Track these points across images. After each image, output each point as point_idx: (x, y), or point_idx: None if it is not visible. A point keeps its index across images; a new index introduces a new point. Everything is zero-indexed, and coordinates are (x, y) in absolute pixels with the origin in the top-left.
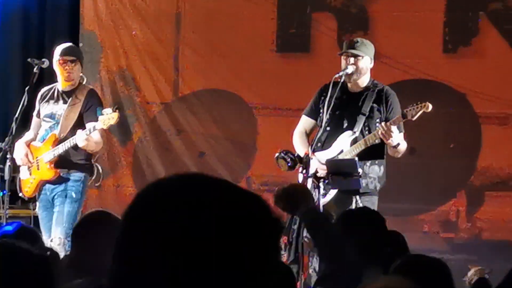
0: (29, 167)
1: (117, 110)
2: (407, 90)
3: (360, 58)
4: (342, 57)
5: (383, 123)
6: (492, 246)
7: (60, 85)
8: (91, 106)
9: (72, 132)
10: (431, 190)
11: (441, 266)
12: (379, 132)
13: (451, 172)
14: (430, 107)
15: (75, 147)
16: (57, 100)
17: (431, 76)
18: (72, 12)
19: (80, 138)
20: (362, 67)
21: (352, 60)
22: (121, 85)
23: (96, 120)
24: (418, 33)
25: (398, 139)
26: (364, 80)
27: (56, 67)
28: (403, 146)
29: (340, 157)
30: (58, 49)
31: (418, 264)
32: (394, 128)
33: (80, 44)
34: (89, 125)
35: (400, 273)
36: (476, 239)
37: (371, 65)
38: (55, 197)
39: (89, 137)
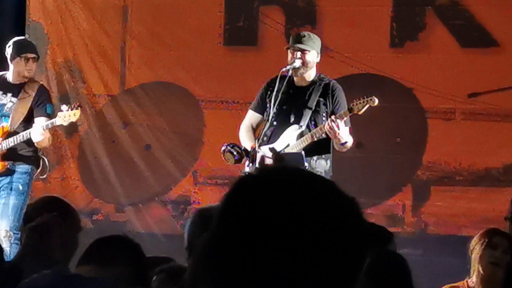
0: None
1: (79, 108)
2: (354, 85)
3: (306, 52)
4: (289, 51)
5: (330, 118)
6: (438, 241)
7: (12, 77)
8: (42, 102)
9: (23, 125)
10: (377, 185)
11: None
12: (325, 127)
13: (398, 167)
14: (376, 101)
15: (28, 141)
16: (5, 92)
17: (378, 70)
18: (18, 2)
19: (36, 133)
20: (308, 61)
21: (298, 54)
22: (67, 77)
23: (46, 116)
24: (366, 27)
25: (344, 135)
26: (310, 74)
27: (17, 61)
28: (350, 142)
29: (287, 151)
30: (21, 45)
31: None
32: (341, 123)
33: (26, 35)
34: (39, 120)
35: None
36: (422, 233)
37: (318, 59)
38: (1, 189)
39: (44, 133)
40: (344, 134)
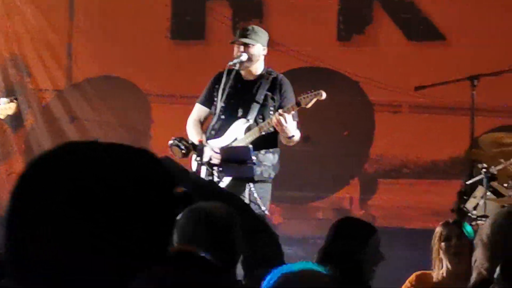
0: None
1: (15, 101)
2: (301, 78)
3: (250, 46)
4: (235, 45)
5: (277, 112)
6: (385, 233)
7: None
8: None
9: None
10: (325, 178)
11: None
12: (273, 120)
13: (345, 160)
14: (324, 95)
15: None
16: None
17: (325, 64)
18: None
19: None
20: (253, 55)
21: (242, 48)
22: (13, 72)
23: None
24: (313, 21)
25: (292, 129)
26: (258, 68)
27: None
28: (297, 136)
29: (234, 145)
30: None
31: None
32: (288, 117)
33: None
34: None
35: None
36: None
37: (264, 53)
38: None
39: None
40: (291, 128)
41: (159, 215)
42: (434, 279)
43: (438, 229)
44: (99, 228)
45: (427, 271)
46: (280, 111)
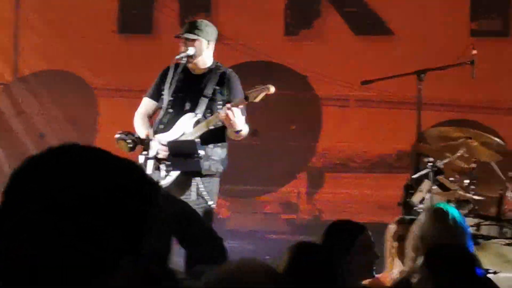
0: None
1: None
2: (249, 72)
3: (197, 41)
4: (181, 39)
5: (226, 106)
6: None
7: None
8: None
9: None
10: (272, 172)
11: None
12: (221, 115)
13: (293, 154)
14: (273, 89)
15: None
16: None
17: (273, 58)
18: None
19: None
20: (199, 49)
21: (190, 42)
22: None
23: None
24: (261, 15)
25: (240, 123)
26: (206, 63)
27: None
28: (245, 130)
29: (182, 139)
30: None
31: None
32: (237, 111)
33: None
34: None
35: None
36: (317, 220)
37: (209, 48)
38: None
39: None
40: (239, 122)
41: (131, 219)
42: (388, 282)
43: (392, 227)
44: (74, 233)
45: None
46: (228, 105)
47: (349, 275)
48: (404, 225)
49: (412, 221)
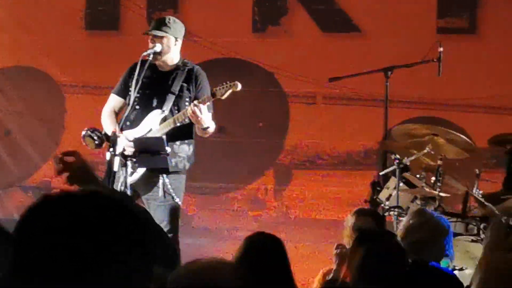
0: None
1: None
2: (217, 69)
3: (164, 38)
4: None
5: (193, 103)
6: (299, 224)
7: None
8: None
9: None
10: (240, 169)
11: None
12: (188, 111)
13: (260, 151)
14: (239, 86)
15: None
16: None
17: (240, 55)
18: None
19: None
20: (167, 46)
21: (157, 39)
22: None
23: None
24: (228, 12)
25: (207, 120)
26: (173, 59)
27: None
28: (212, 127)
29: (149, 135)
30: None
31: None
32: (204, 108)
33: None
34: None
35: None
36: (284, 216)
37: (177, 45)
38: None
39: None
40: (206, 119)
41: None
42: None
43: (351, 220)
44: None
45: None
46: (195, 102)
47: None
48: (363, 216)
49: (370, 212)
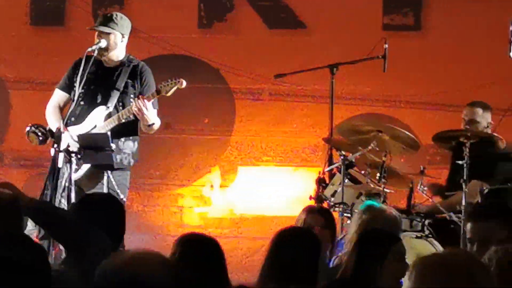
0: None
1: None
2: (162, 65)
3: (111, 34)
4: (95, 31)
5: (136, 98)
6: (245, 221)
7: None
8: None
9: None
10: (185, 165)
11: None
12: (133, 108)
13: (206, 147)
14: (184, 83)
15: None
16: None
17: (186, 51)
18: None
19: None
20: (113, 42)
21: (104, 35)
22: None
23: None
24: (174, 8)
25: (152, 117)
26: (119, 55)
27: None
28: (157, 124)
29: (94, 132)
30: None
31: None
32: (149, 105)
33: None
34: None
35: None
36: (229, 213)
37: (123, 41)
38: None
39: None
40: (151, 115)
41: None
42: None
43: (302, 216)
44: None
45: None
46: (140, 98)
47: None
48: (313, 214)
49: (320, 210)
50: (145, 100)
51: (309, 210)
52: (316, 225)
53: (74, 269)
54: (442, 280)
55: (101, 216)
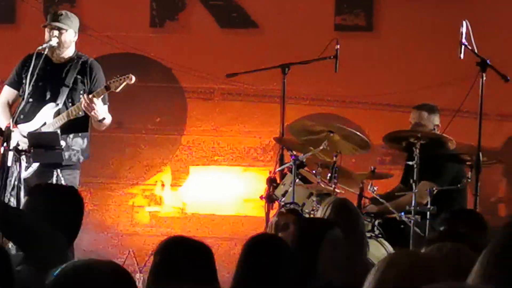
0: None
1: None
2: (114, 64)
3: (64, 31)
4: (46, 29)
5: (85, 95)
6: (196, 220)
7: None
8: None
9: None
10: (137, 164)
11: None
12: (82, 105)
13: (157, 146)
14: (134, 78)
15: None
16: None
17: (138, 50)
18: None
19: None
20: (65, 40)
21: (56, 33)
22: None
23: None
24: (126, 6)
25: (102, 113)
26: (68, 52)
27: None
28: (108, 120)
29: (44, 129)
30: None
31: None
32: (98, 101)
33: None
34: None
35: None
36: (181, 212)
37: (75, 38)
38: None
39: None
40: (101, 111)
41: None
42: None
43: (274, 219)
44: None
45: None
46: (88, 95)
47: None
48: (285, 215)
49: (290, 210)
50: (94, 97)
51: (280, 213)
52: (290, 223)
53: (30, 269)
54: (401, 280)
55: (61, 209)
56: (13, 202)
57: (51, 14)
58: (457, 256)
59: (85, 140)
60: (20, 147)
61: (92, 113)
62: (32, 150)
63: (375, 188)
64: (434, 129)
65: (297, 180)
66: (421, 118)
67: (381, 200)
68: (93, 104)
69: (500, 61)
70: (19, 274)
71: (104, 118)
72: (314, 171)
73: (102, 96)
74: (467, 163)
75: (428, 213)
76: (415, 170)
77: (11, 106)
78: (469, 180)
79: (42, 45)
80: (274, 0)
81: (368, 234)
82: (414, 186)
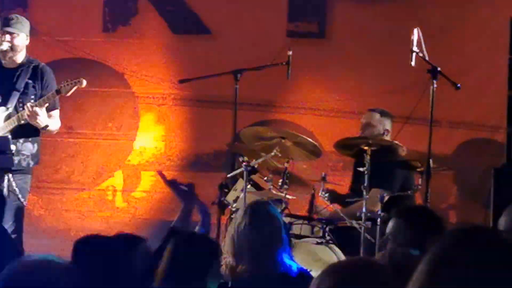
0: None
1: None
2: (66, 69)
3: (15, 35)
4: None
5: (28, 104)
6: (147, 224)
7: None
8: None
9: None
10: (88, 169)
11: None
12: (25, 113)
13: (109, 151)
14: (84, 82)
15: None
16: None
17: (91, 55)
18: None
19: None
20: (17, 44)
21: (8, 37)
22: None
23: None
24: (78, 11)
25: (45, 120)
26: (19, 57)
27: None
28: (55, 126)
29: None
30: None
31: None
32: (41, 110)
33: None
34: None
35: None
36: (132, 217)
37: (27, 42)
38: None
39: None
40: (44, 119)
41: None
42: None
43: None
44: None
45: None
46: (31, 103)
47: None
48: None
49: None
50: (36, 107)
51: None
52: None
53: None
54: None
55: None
56: None
57: (2, 19)
58: (406, 261)
59: (35, 145)
60: None
61: (34, 122)
62: None
63: (326, 195)
64: (384, 133)
65: (248, 186)
66: (372, 118)
67: (330, 206)
68: (35, 114)
69: (451, 68)
70: None
71: (47, 126)
72: (265, 178)
73: (46, 105)
74: (418, 169)
75: (378, 219)
76: (366, 176)
77: None
78: (420, 187)
79: None
80: (227, 6)
81: (319, 240)
82: (364, 193)
